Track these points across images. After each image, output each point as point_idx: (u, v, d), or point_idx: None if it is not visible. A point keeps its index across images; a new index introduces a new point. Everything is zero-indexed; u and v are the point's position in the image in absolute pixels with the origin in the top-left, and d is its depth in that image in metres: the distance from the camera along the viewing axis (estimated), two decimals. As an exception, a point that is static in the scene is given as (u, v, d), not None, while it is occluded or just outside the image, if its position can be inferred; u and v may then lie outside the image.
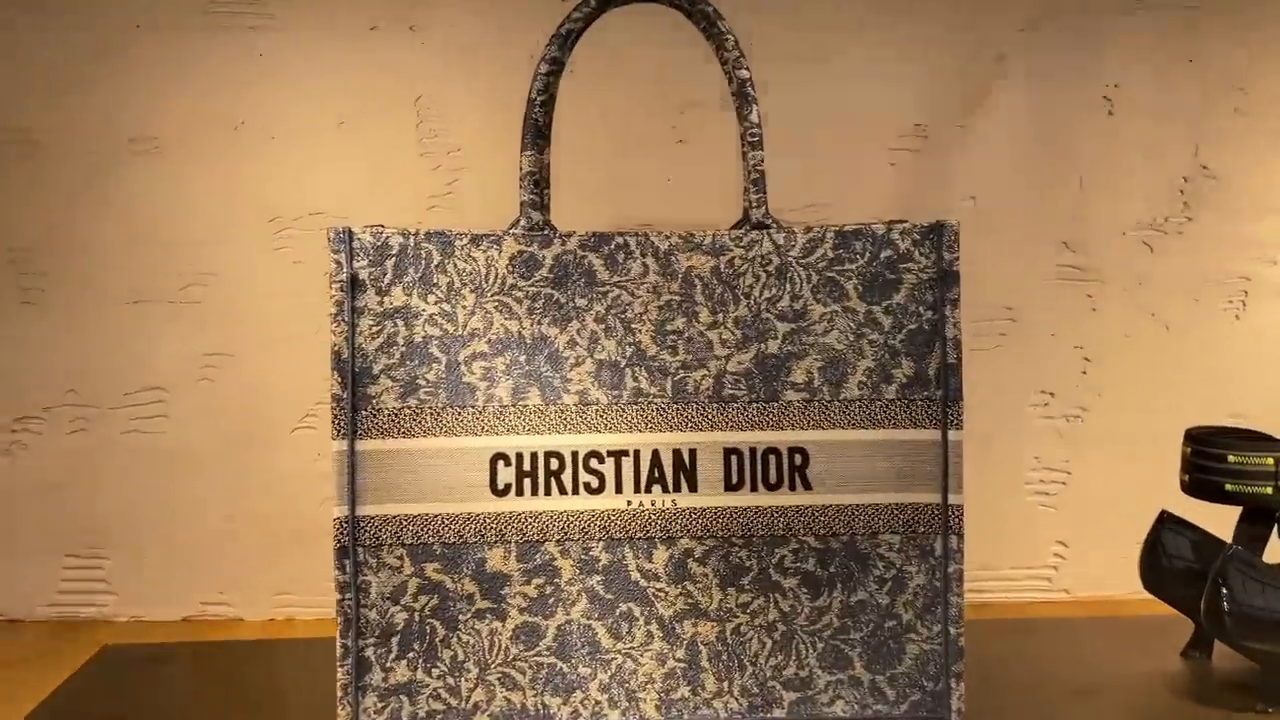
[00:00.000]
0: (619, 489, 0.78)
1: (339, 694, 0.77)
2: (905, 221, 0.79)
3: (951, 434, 0.79)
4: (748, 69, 0.80)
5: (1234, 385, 1.11)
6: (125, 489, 1.06)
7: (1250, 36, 1.07)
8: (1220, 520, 0.91)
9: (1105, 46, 1.06)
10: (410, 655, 0.78)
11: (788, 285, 0.79)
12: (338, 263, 0.76)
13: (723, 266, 0.79)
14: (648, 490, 0.78)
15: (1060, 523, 1.11)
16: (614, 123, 1.04)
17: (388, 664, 0.78)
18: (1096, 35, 1.06)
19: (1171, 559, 0.90)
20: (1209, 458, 0.89)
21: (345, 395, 0.76)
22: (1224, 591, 0.81)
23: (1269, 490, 0.87)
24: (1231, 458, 0.88)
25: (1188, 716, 0.83)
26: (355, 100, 1.04)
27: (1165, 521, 0.92)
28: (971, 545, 1.10)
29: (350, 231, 0.76)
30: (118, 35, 1.01)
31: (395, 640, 0.78)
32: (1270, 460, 0.87)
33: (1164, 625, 0.96)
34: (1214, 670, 0.90)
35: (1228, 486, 0.88)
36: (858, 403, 0.79)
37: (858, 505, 0.79)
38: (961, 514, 0.79)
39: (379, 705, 0.78)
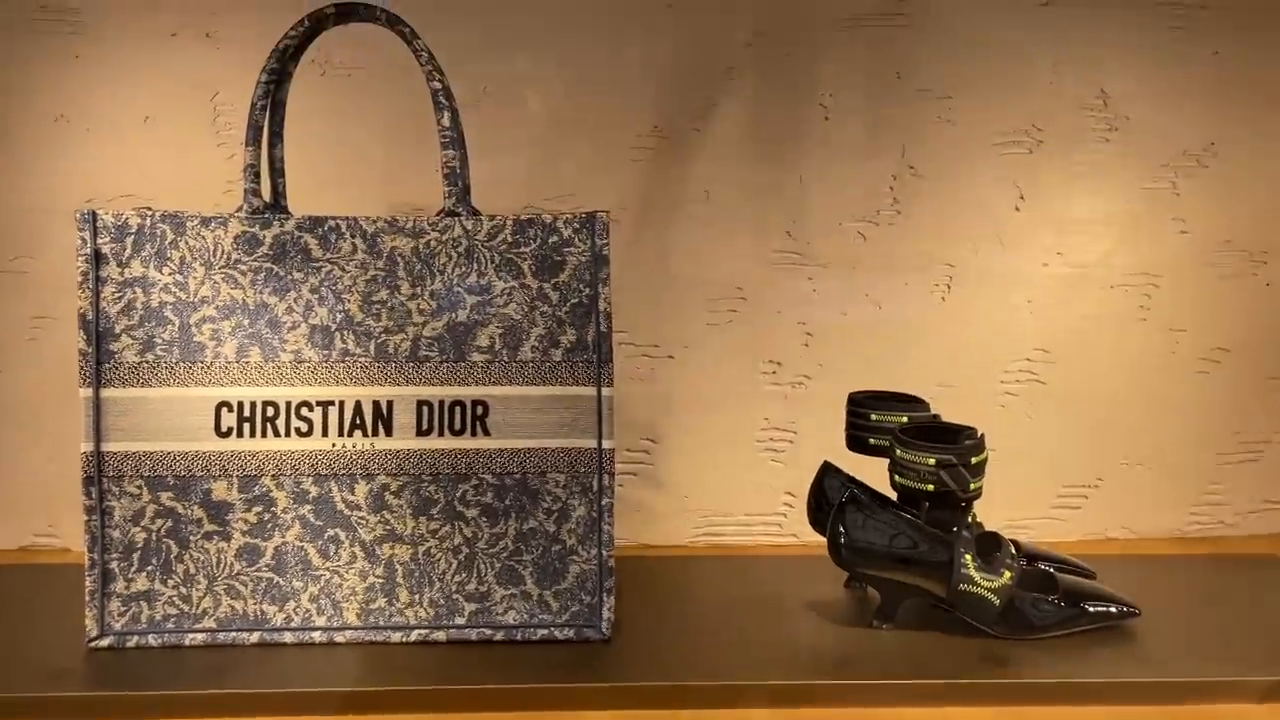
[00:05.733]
0: (325, 433, 0.93)
1: (87, 599, 0.92)
2: (568, 213, 0.94)
3: (605, 390, 0.94)
4: (440, 81, 0.94)
5: (940, 358, 1.26)
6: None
7: (953, 49, 1.22)
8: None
9: (821, 60, 1.20)
10: (149, 569, 0.93)
11: (475, 264, 0.94)
12: (83, 239, 0.91)
13: (421, 247, 0.94)
14: (350, 434, 0.94)
15: (788, 476, 1.26)
16: (386, 120, 1.18)
17: (129, 575, 0.93)
18: (812, 50, 1.20)
19: (831, 501, 1.06)
20: (859, 416, 1.05)
21: (90, 350, 0.91)
22: (840, 529, 0.97)
23: (902, 444, 1.02)
24: (873, 416, 1.04)
25: (812, 630, 0.98)
26: (159, 98, 1.18)
27: (826, 470, 1.07)
28: (709, 495, 1.27)
29: (94, 213, 0.91)
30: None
31: (136, 556, 0.93)
32: (904, 418, 1.02)
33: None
34: (864, 597, 1.06)
35: (871, 441, 1.04)
36: (531, 364, 0.94)
37: (529, 449, 0.94)
38: (613, 456, 0.94)
39: (122, 609, 0.93)
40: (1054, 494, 1.29)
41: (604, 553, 0.95)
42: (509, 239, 0.94)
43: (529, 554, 0.95)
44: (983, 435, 0.95)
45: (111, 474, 0.92)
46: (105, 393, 0.92)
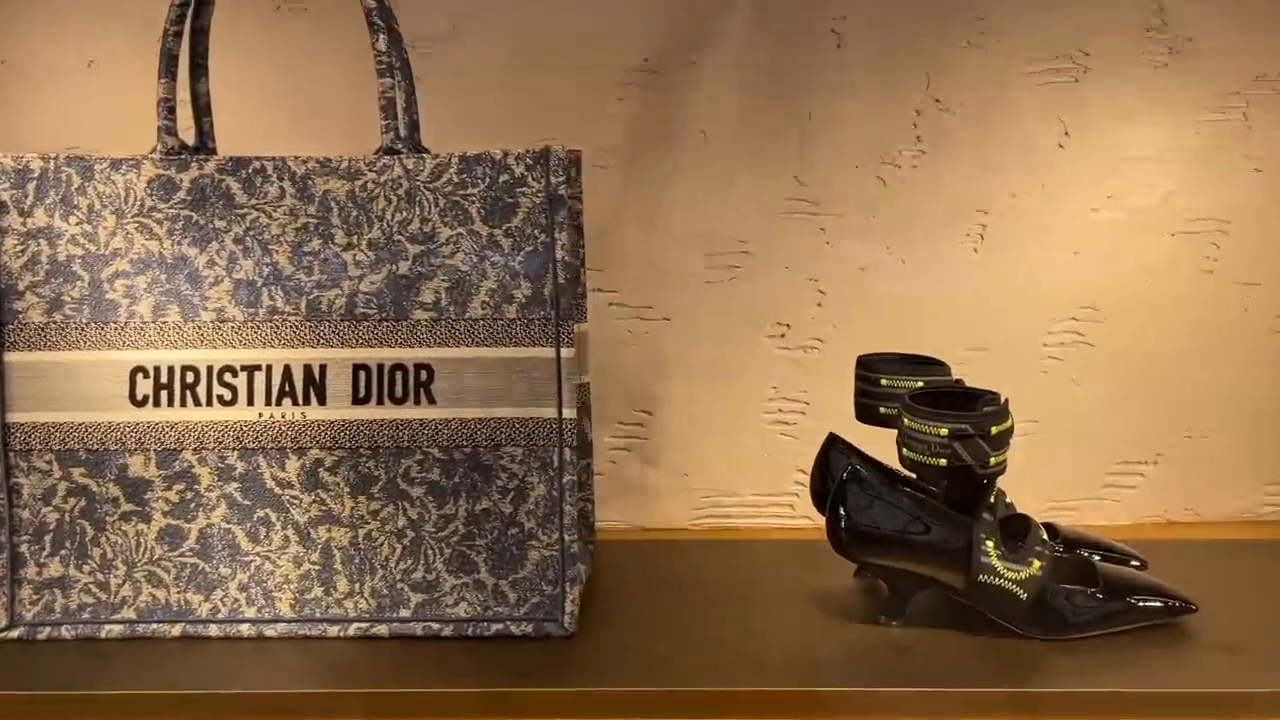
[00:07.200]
0: (251, 401, 0.83)
1: (-6, 587, 0.83)
2: (519, 149, 0.82)
3: (564, 351, 0.82)
4: (375, -1, 0.83)
5: (973, 318, 1.11)
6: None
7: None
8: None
9: (832, -22, 1.07)
10: (62, 553, 0.84)
11: (417, 209, 0.83)
12: (-22, 185, 0.81)
13: (357, 190, 0.83)
14: (278, 403, 0.83)
15: (800, 451, 1.13)
16: (350, 61, 1.07)
17: (41, 560, 0.84)
18: (822, -33, 1.06)
19: (836, 478, 0.92)
20: (868, 381, 0.91)
21: (-9, 310, 0.82)
22: (840, 510, 0.84)
23: (917, 413, 0.88)
24: (884, 381, 0.90)
25: (813, 626, 0.85)
26: (103, 42, 1.08)
27: (832, 443, 0.94)
28: (712, 472, 1.14)
29: (-9, 156, 0.82)
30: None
31: (48, 538, 0.84)
32: (920, 383, 0.89)
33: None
34: (875, 587, 0.92)
35: (882, 410, 0.90)
36: (481, 322, 0.83)
37: (480, 419, 0.83)
38: (575, 427, 0.82)
39: (34, 597, 0.84)
40: (1104, 472, 1.14)
41: (566, 537, 0.83)
42: (454, 179, 0.82)
43: (482, 538, 0.84)
44: (1006, 401, 0.81)
45: (18, 448, 0.83)
46: (9, 357, 0.83)
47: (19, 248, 0.82)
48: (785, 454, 1.13)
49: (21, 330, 0.82)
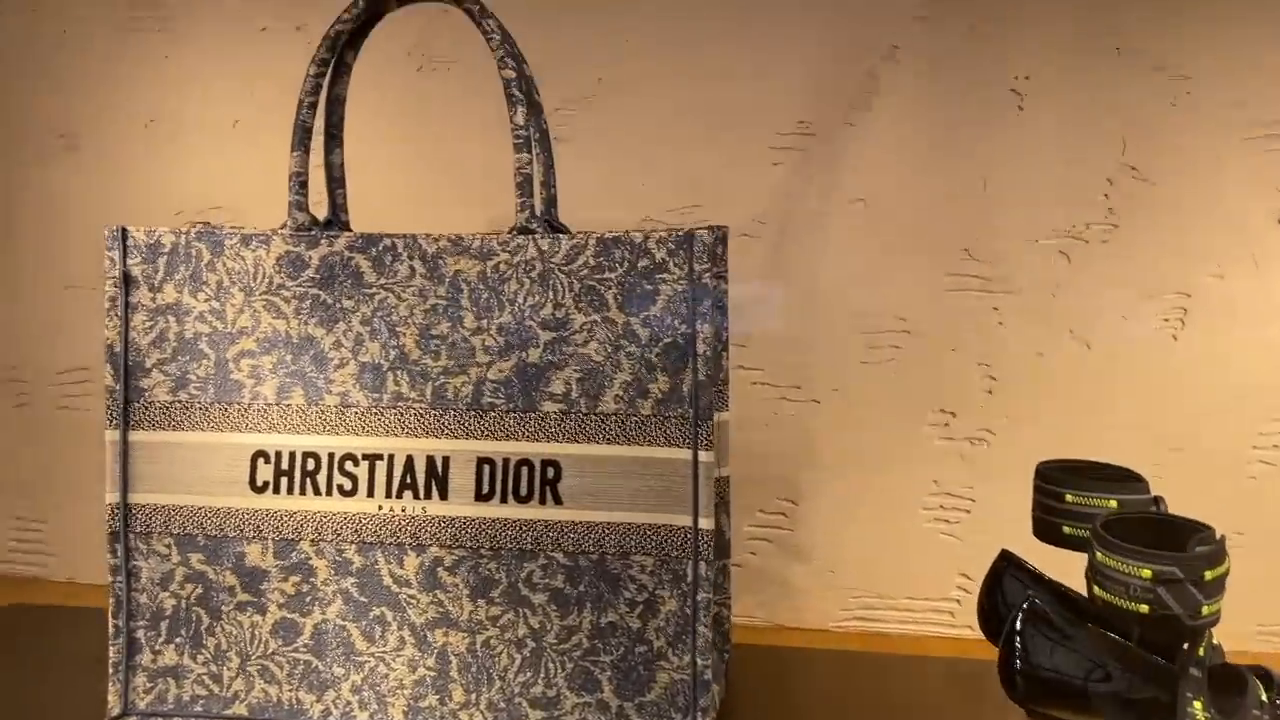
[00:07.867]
0: (371, 493, 0.78)
1: (110, 671, 0.81)
2: (661, 231, 0.75)
3: (703, 454, 0.74)
4: (514, 69, 0.77)
5: (1170, 414, 0.98)
6: (60, 459, 1.15)
7: (1195, 12, 0.94)
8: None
9: (1013, 34, 0.96)
10: (178, 640, 0.81)
11: (550, 293, 0.77)
12: (111, 259, 0.79)
13: (489, 271, 0.78)
14: (399, 496, 0.78)
15: (963, 554, 1.02)
16: (489, 121, 1.03)
17: (156, 646, 0.81)
18: (1002, 22, 0.96)
19: (1010, 605, 0.81)
20: (1049, 496, 0.80)
21: (118, 388, 0.80)
22: (1015, 651, 0.73)
23: (1108, 536, 0.76)
24: (1069, 497, 0.79)
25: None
26: (249, 99, 1.08)
27: (1007, 565, 0.83)
28: (862, 571, 1.04)
29: (124, 230, 0.80)
30: (48, 41, 1.09)
31: (164, 624, 0.81)
32: (1113, 502, 0.77)
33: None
34: (1052, 731, 0.81)
35: (1066, 529, 0.79)
36: (613, 417, 0.76)
37: (609, 523, 0.76)
38: (711, 539, 0.74)
39: (148, 685, 0.81)
40: (1325, 595, 0.99)
41: (699, 661, 0.75)
42: (591, 262, 0.76)
43: (607, 654, 0.76)
44: (1223, 538, 0.68)
45: (139, 530, 0.80)
46: (134, 436, 0.80)
47: (148, 324, 0.80)
48: (946, 556, 1.02)
49: (147, 409, 0.80)
